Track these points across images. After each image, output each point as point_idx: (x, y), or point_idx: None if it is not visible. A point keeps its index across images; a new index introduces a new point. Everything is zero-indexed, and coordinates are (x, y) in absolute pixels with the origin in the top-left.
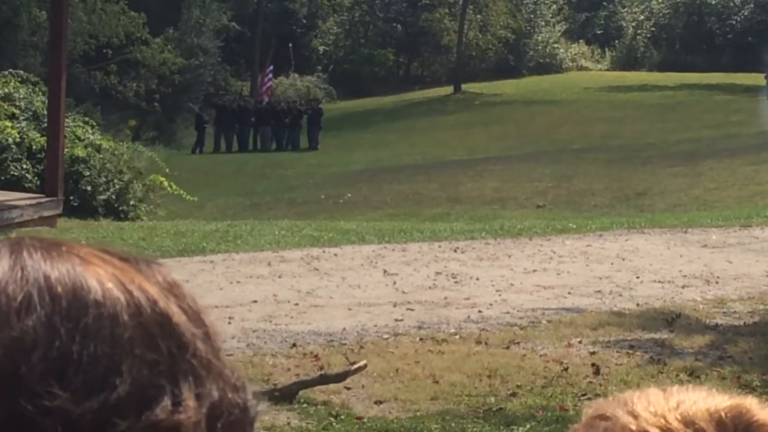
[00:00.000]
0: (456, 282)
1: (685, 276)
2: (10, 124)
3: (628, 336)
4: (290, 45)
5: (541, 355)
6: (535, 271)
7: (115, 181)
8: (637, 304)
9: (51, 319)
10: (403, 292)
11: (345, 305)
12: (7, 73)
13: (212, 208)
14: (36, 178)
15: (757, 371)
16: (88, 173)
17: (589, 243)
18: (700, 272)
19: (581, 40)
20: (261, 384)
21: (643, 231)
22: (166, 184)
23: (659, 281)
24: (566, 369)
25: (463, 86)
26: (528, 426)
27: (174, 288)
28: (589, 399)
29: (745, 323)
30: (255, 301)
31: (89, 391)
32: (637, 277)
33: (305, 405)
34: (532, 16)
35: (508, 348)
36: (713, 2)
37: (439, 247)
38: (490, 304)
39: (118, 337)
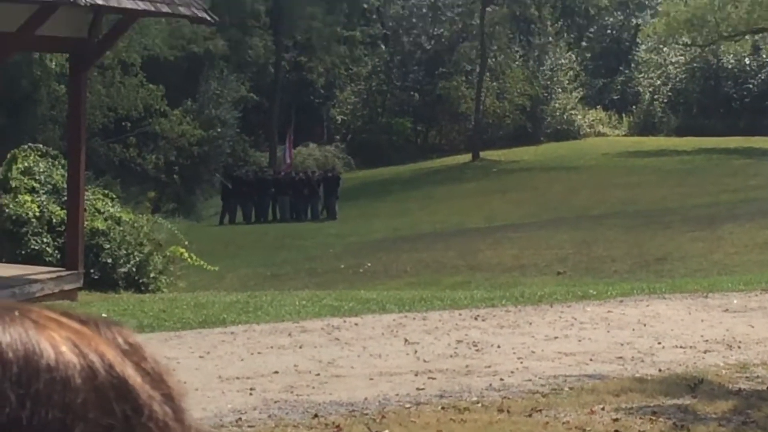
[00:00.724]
0: (477, 350)
1: (707, 341)
2: (30, 198)
3: (650, 402)
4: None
5: (563, 423)
6: (556, 338)
7: (136, 253)
8: (659, 370)
9: (1, 385)
10: (425, 361)
11: (366, 375)
12: (26, 147)
13: (232, 279)
14: (56, 251)
15: None
16: (108, 246)
17: (609, 309)
18: (722, 337)
19: (598, 106)
20: None
21: (663, 296)
22: (186, 255)
23: (681, 346)
24: None
25: (481, 153)
26: None
27: (134, 350)
28: None
29: None
30: (276, 372)
31: None
32: (659, 343)
33: None
34: (549, 82)
35: (530, 416)
36: (729, 66)
37: (460, 315)
38: (512, 372)
39: (70, 401)
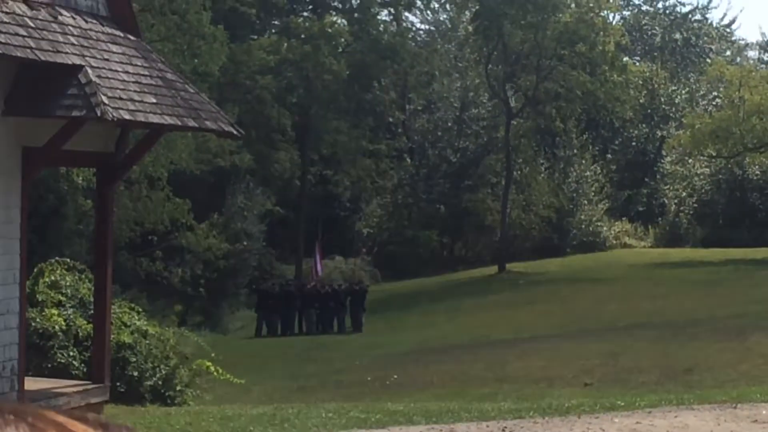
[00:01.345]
0: None
1: None
2: (56, 312)
3: None
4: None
5: None
6: None
7: (162, 366)
8: None
9: None
10: None
11: None
12: (53, 261)
13: (259, 392)
14: (83, 364)
15: None
16: (134, 359)
17: (638, 420)
18: None
19: (624, 218)
20: None
21: (692, 407)
22: (212, 368)
23: None
24: None
25: (507, 265)
26: None
27: None
28: None
29: None
30: None
31: None
32: None
33: None
34: (575, 194)
35: None
36: (755, 177)
37: (487, 426)
38: None
39: None
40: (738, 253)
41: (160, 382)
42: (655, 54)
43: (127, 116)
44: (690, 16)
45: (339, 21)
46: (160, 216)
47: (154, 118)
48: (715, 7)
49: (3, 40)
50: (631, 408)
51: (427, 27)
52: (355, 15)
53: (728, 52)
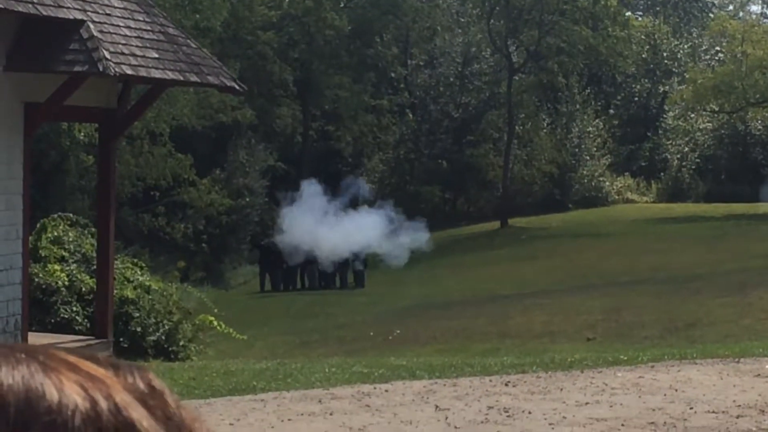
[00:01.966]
0: (508, 416)
1: (740, 406)
2: (59, 267)
3: None
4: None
5: None
6: (587, 403)
7: (165, 322)
8: None
9: None
10: (456, 428)
11: None
12: (56, 216)
13: (262, 347)
14: (86, 320)
15: None
16: (137, 315)
17: (641, 374)
18: (755, 402)
19: (626, 173)
20: None
21: (695, 362)
22: (215, 323)
23: (713, 412)
24: None
25: (510, 221)
26: None
27: (155, 395)
28: None
29: None
30: None
31: None
32: (691, 408)
33: None
34: (577, 150)
35: None
36: (757, 133)
37: (490, 381)
38: None
39: None
40: (740, 208)
41: (163, 338)
42: (658, 8)
43: (129, 71)
44: None
45: None
46: (162, 172)
47: (157, 73)
48: None
49: None
50: (634, 363)
51: None
52: None
53: (731, 7)
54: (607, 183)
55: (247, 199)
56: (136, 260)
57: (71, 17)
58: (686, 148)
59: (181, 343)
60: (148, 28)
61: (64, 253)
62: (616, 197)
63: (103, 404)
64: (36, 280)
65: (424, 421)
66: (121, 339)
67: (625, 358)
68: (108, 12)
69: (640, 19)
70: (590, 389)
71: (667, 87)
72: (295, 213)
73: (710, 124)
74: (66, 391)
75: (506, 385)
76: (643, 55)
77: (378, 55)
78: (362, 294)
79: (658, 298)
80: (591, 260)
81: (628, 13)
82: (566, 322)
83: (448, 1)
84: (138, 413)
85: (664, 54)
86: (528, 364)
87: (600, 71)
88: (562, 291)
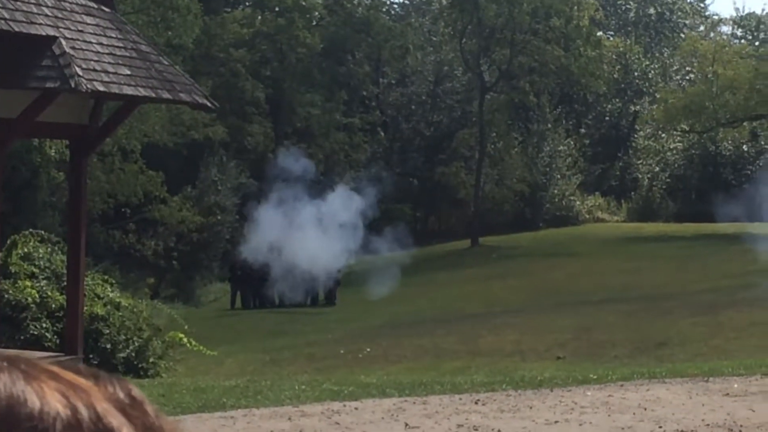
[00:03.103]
0: None
1: (708, 425)
2: (29, 284)
3: None
4: None
5: None
6: (557, 422)
7: (135, 338)
8: None
9: None
10: None
11: None
12: (27, 233)
13: (231, 364)
14: (55, 336)
15: None
16: (107, 331)
17: (610, 393)
18: (723, 421)
19: (597, 192)
20: None
21: (664, 381)
22: (185, 340)
23: (682, 431)
24: None
25: (480, 239)
26: None
27: (135, 404)
28: None
29: None
30: None
31: None
32: (660, 427)
33: None
34: (548, 169)
35: None
36: (727, 153)
37: (460, 399)
38: None
39: None
40: (710, 227)
41: (133, 354)
42: (629, 29)
43: (101, 88)
44: None
45: None
46: (133, 188)
47: (129, 90)
48: None
49: None
50: (604, 381)
51: (401, 0)
52: None
53: (702, 27)
54: (578, 202)
55: (219, 217)
56: (106, 277)
57: (43, 33)
58: (657, 168)
59: (151, 359)
60: (121, 44)
61: (34, 270)
62: (587, 216)
63: (84, 412)
64: (6, 296)
65: None
66: (91, 355)
67: (595, 376)
68: (80, 29)
69: (611, 39)
70: (560, 408)
71: (638, 107)
72: (263, 218)
73: (681, 144)
74: (47, 398)
75: (476, 403)
76: (615, 75)
77: (350, 73)
78: (332, 312)
79: (629, 318)
80: (561, 279)
81: (600, 33)
82: (536, 341)
83: (421, 19)
84: (118, 421)
85: (636, 74)
86: (498, 383)
87: (571, 91)
88: (532, 310)
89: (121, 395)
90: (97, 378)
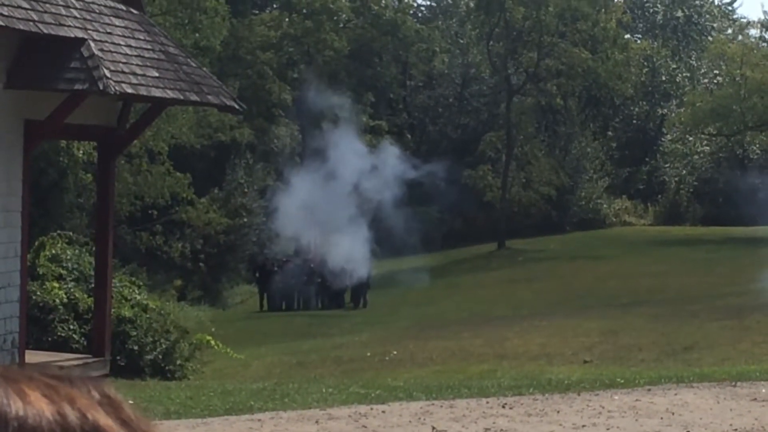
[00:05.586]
0: None
1: (736, 430)
2: (57, 285)
3: None
4: None
5: None
6: (584, 426)
7: (162, 340)
8: None
9: None
10: None
11: None
12: (55, 234)
13: (258, 366)
14: (83, 338)
15: None
16: (134, 333)
17: (637, 398)
18: (751, 426)
19: (624, 196)
20: None
21: (691, 385)
22: (212, 342)
23: None
24: None
25: (507, 242)
26: None
27: (110, 401)
28: None
29: None
30: None
31: None
32: (688, 431)
33: None
34: (575, 172)
35: None
36: (755, 156)
37: (487, 402)
38: None
39: None
40: (737, 231)
41: (160, 356)
42: (657, 31)
43: (129, 90)
44: None
45: None
46: (160, 190)
47: (156, 92)
48: None
49: (6, 13)
50: (631, 385)
51: (428, 3)
52: None
53: (730, 30)
54: (605, 205)
55: (245, 219)
56: (133, 279)
57: (72, 35)
58: (684, 171)
59: (178, 362)
60: (149, 47)
61: (62, 271)
62: (614, 219)
63: (70, 412)
64: (34, 297)
65: None
66: (119, 357)
67: (622, 380)
68: (109, 31)
69: (639, 41)
70: (587, 412)
71: (666, 110)
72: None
73: (708, 148)
74: (31, 399)
75: (503, 407)
76: (642, 78)
77: (377, 75)
78: (359, 314)
79: (656, 321)
80: (588, 282)
81: (627, 36)
82: (563, 344)
83: (448, 22)
84: (103, 417)
85: (663, 77)
86: (525, 386)
87: (599, 93)
88: (559, 313)
89: (97, 395)
90: (71, 380)
